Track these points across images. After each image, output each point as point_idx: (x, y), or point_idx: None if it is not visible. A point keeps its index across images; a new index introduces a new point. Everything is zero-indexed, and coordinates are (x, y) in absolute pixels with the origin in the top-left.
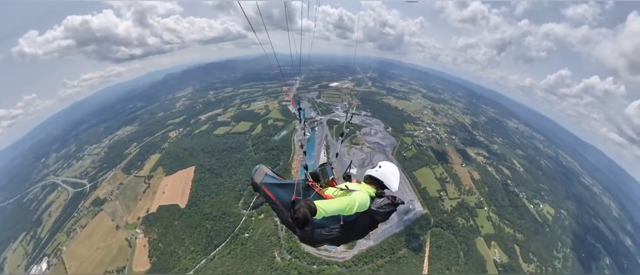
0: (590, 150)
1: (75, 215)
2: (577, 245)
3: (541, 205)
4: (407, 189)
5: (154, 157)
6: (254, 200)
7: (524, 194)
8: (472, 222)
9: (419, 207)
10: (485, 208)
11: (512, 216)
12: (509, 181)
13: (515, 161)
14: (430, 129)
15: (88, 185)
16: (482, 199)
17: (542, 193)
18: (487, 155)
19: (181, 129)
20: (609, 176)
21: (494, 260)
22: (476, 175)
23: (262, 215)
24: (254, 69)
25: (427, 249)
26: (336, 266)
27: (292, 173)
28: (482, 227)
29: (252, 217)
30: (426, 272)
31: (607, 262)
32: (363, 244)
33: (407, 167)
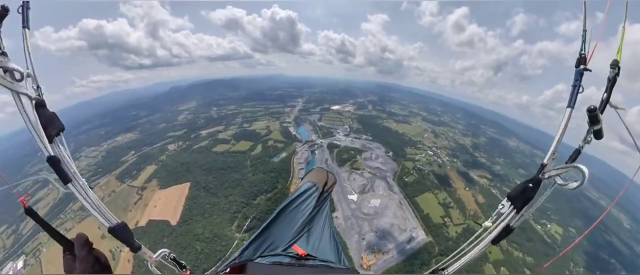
0: (593, 161)
1: (62, 216)
2: (590, 263)
3: (549, 225)
4: (409, 216)
5: (150, 168)
6: (247, 223)
7: (530, 215)
8: None
9: (422, 235)
10: None
11: (519, 238)
12: None
13: (518, 181)
14: (432, 153)
15: None
16: (488, 224)
17: (548, 212)
18: (490, 177)
19: (181, 143)
20: (615, 187)
21: None
22: (481, 199)
23: None
24: (258, 88)
25: None
26: None
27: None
28: (490, 252)
29: (244, 240)
30: None
31: None
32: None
33: (409, 193)
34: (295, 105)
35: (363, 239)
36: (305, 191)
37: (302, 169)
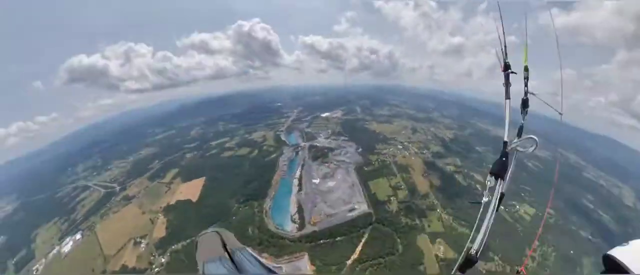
0: (600, 140)
1: (108, 205)
2: (563, 242)
3: (518, 206)
4: (357, 194)
5: (174, 171)
6: (242, 199)
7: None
8: (417, 222)
9: (364, 208)
10: (438, 210)
11: (471, 217)
12: (478, 186)
13: (488, 166)
14: (401, 147)
15: (118, 188)
16: (436, 202)
17: (523, 194)
18: (459, 164)
19: (195, 152)
20: (622, 164)
21: (436, 255)
22: (436, 182)
23: (247, 207)
24: (260, 102)
25: (363, 238)
26: (287, 240)
27: (272, 183)
28: (428, 226)
29: (240, 208)
30: (356, 256)
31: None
32: (309, 228)
33: (363, 178)
34: (290, 115)
35: (315, 206)
36: None
37: (286, 165)
